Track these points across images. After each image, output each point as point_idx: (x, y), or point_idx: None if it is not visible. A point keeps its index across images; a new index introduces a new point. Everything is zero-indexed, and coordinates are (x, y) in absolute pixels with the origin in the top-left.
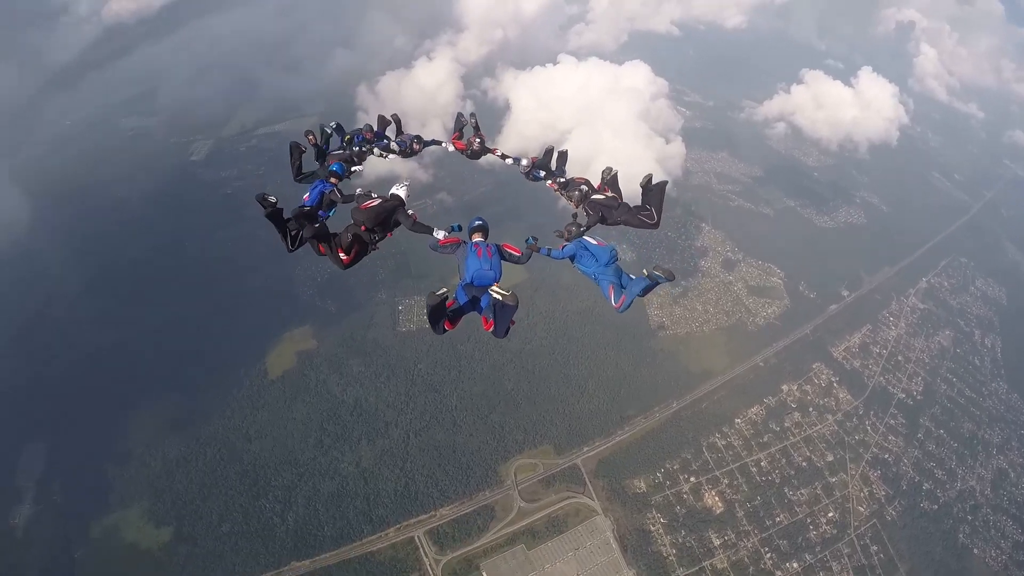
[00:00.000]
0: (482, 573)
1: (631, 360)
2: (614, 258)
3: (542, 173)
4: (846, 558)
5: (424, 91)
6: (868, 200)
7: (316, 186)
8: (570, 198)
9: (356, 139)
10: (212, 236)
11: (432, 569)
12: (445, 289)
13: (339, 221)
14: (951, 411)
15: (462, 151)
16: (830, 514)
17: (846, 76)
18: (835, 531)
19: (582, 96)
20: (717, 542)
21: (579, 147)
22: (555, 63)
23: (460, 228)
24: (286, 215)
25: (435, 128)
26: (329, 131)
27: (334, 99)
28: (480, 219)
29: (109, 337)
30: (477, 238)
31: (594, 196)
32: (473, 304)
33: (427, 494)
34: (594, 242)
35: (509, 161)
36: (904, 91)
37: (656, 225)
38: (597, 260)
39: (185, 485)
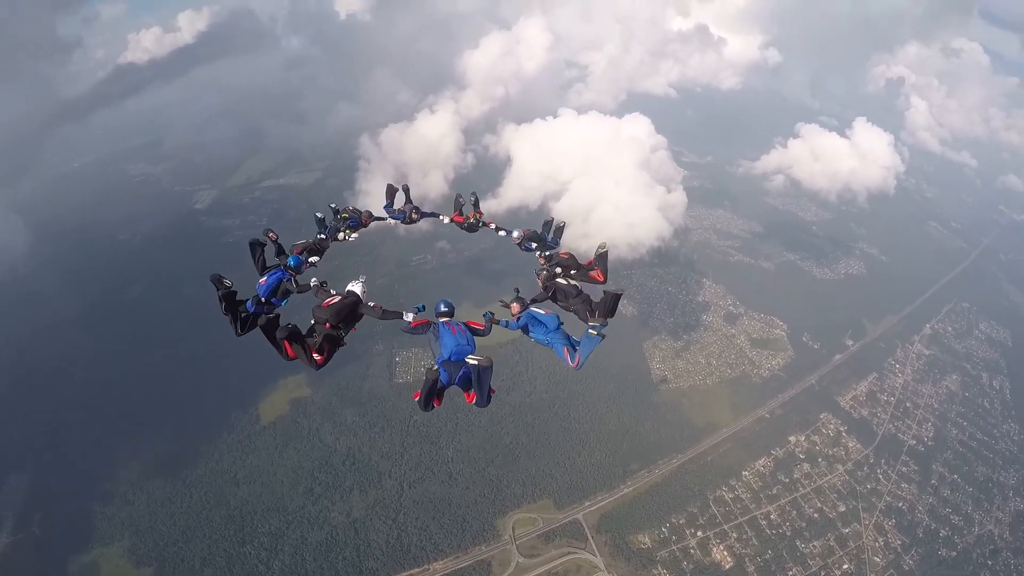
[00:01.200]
0: None
1: (633, 414)
2: (559, 324)
3: (533, 245)
4: None
5: (426, 142)
6: (867, 251)
7: (273, 274)
8: (538, 274)
9: (351, 223)
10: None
11: None
12: (436, 366)
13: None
14: (964, 455)
15: (459, 223)
16: (845, 566)
17: (841, 129)
18: None
19: (582, 147)
20: None
21: (579, 197)
22: (555, 116)
23: (424, 308)
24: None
25: (435, 179)
26: (321, 216)
27: (338, 152)
28: (446, 303)
29: (104, 374)
30: (444, 320)
31: (558, 280)
32: (452, 380)
33: (420, 547)
34: (541, 311)
35: (502, 234)
36: (898, 142)
37: (600, 320)
38: (546, 328)
39: (168, 526)
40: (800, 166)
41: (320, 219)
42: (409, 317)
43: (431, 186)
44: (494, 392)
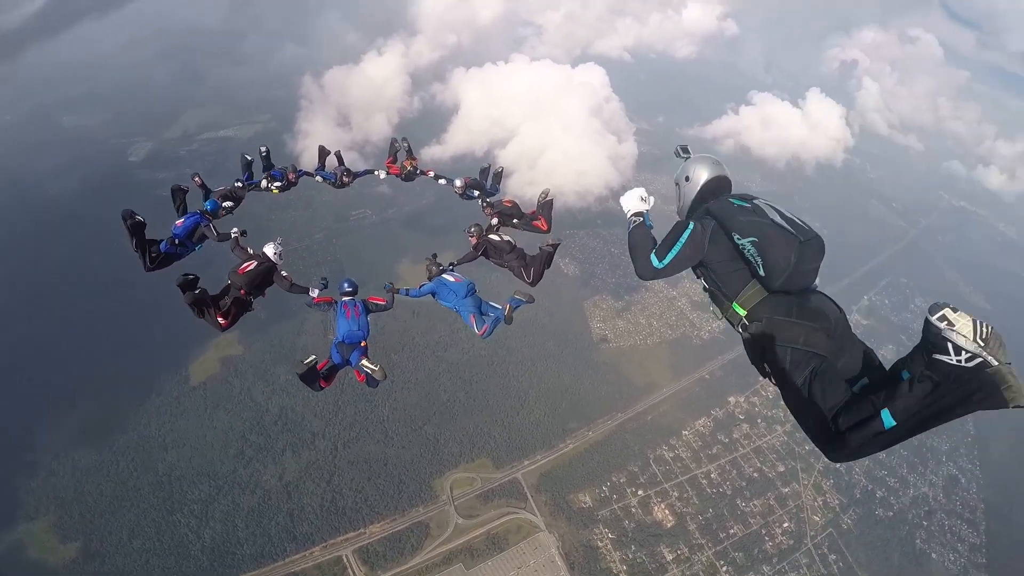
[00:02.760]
0: None
1: (573, 372)
2: (472, 290)
3: (475, 193)
4: (805, 568)
5: (371, 84)
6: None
7: (190, 216)
8: (469, 232)
9: (275, 174)
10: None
11: None
12: (313, 356)
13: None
14: None
15: (396, 175)
16: (785, 524)
17: (794, 100)
18: (792, 541)
19: (533, 92)
20: (670, 556)
21: (527, 143)
22: (507, 62)
23: (327, 284)
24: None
25: (379, 122)
26: (250, 159)
27: (280, 101)
28: (349, 282)
29: (22, 335)
30: (347, 299)
31: (491, 236)
32: (345, 361)
33: (356, 510)
34: (451, 279)
35: (442, 182)
36: (849, 121)
37: (532, 284)
38: (456, 295)
39: (95, 497)
40: (750, 133)
41: (248, 162)
42: (314, 293)
43: (373, 129)
44: (384, 377)
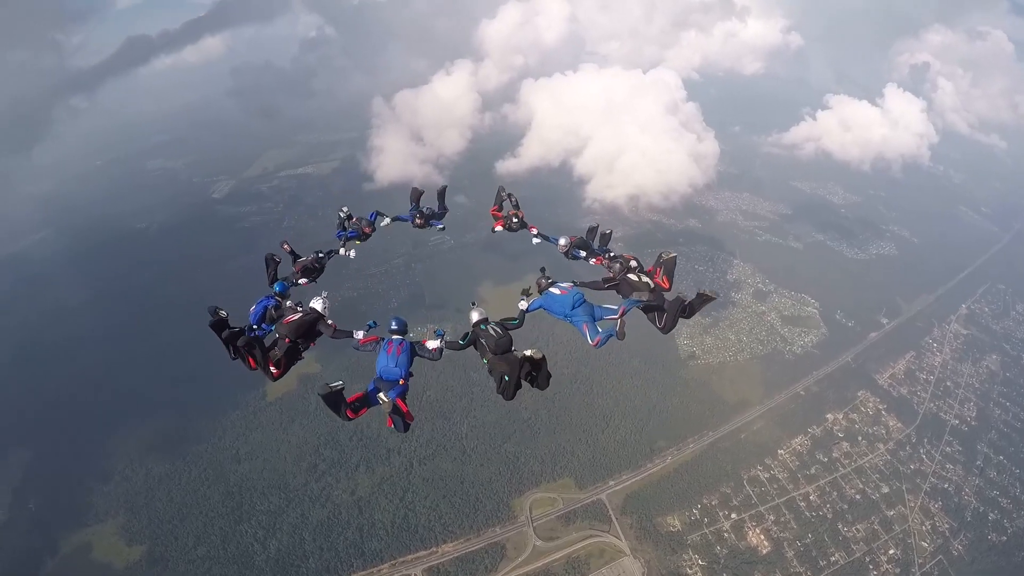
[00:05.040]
0: None
1: (660, 390)
2: (579, 301)
3: (582, 253)
4: None
5: (442, 103)
6: (898, 233)
7: (261, 302)
8: (610, 268)
9: (351, 234)
10: (224, 265)
11: None
12: (340, 382)
13: None
14: (1009, 436)
15: (501, 227)
16: (891, 551)
17: (871, 98)
18: (898, 570)
19: (605, 97)
20: None
21: (603, 146)
22: (575, 71)
23: (376, 325)
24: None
25: (452, 137)
26: (346, 212)
27: (354, 142)
28: (398, 321)
29: (111, 355)
30: (394, 337)
31: (629, 275)
32: (376, 397)
33: (429, 528)
34: (557, 292)
35: (537, 241)
36: (929, 120)
37: (663, 330)
38: (564, 306)
39: (165, 504)
40: (831, 137)
41: (346, 216)
42: (360, 335)
43: (447, 144)
44: (412, 420)
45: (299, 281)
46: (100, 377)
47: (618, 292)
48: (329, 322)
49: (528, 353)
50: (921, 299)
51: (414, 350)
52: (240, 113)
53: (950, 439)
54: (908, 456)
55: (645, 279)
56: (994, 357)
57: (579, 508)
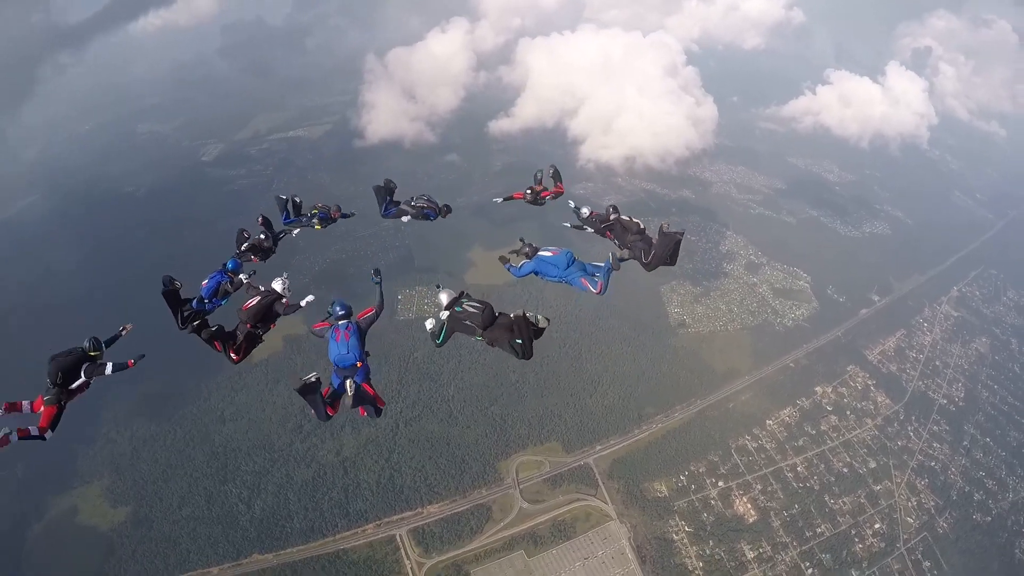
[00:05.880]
0: None
1: (649, 356)
2: (572, 259)
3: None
4: (897, 575)
5: (436, 61)
6: (892, 213)
7: (214, 276)
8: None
9: (320, 215)
10: (212, 227)
11: (414, 573)
12: (314, 374)
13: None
14: (995, 418)
15: (524, 198)
16: (876, 525)
17: (873, 76)
18: (883, 544)
19: (603, 56)
20: (751, 555)
21: (599, 107)
22: (573, 31)
23: (345, 308)
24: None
25: (445, 95)
26: (284, 198)
27: (347, 104)
28: (341, 304)
29: (96, 316)
30: (340, 323)
31: (622, 216)
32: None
33: (414, 489)
34: (549, 253)
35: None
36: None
37: (648, 266)
38: (558, 267)
39: (150, 465)
40: (830, 112)
41: (283, 200)
42: (306, 301)
43: (439, 102)
44: (383, 404)
45: (253, 258)
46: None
47: (610, 233)
48: (284, 300)
49: (528, 315)
50: (913, 279)
51: (360, 328)
52: (232, 72)
53: (938, 418)
54: (896, 432)
55: (636, 220)
56: (983, 340)
57: (566, 472)
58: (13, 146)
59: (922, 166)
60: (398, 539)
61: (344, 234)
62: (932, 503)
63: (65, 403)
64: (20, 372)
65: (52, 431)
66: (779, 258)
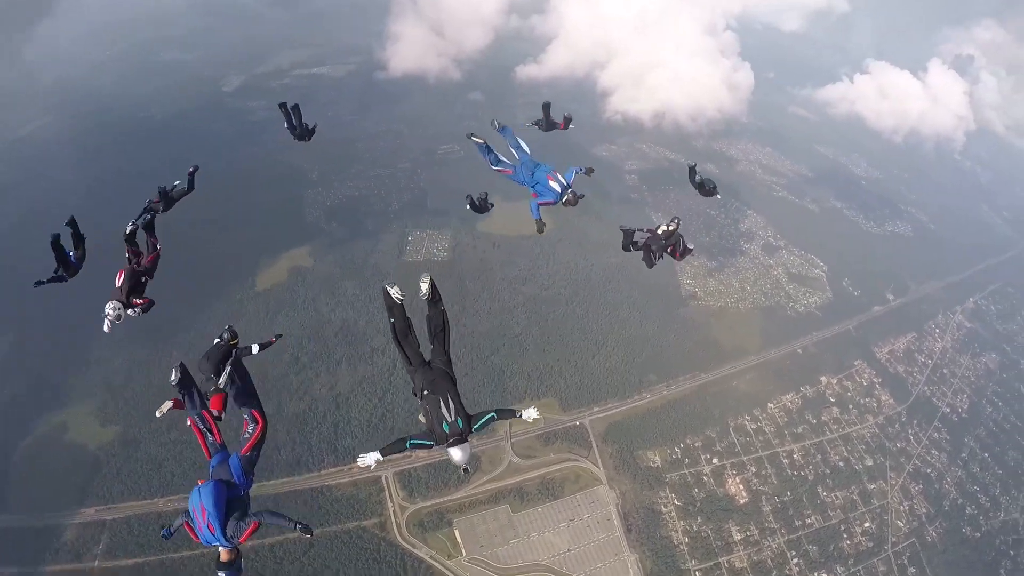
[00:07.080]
0: (454, 530)
1: (657, 324)
2: (537, 163)
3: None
4: None
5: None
6: (916, 216)
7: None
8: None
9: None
10: (230, 156)
11: (395, 516)
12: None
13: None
14: (996, 435)
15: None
16: (866, 524)
17: (914, 70)
18: (871, 544)
19: (641, 12)
20: (738, 536)
21: (633, 60)
22: None
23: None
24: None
25: (473, 35)
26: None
27: (371, 36)
28: (219, 457)
29: (102, 238)
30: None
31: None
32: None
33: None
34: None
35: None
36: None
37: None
38: (526, 167)
39: (143, 386)
40: (865, 102)
41: (284, 107)
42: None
43: (468, 40)
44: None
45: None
46: (91, 263)
47: (639, 247)
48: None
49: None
50: (930, 284)
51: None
52: (259, 4)
53: (939, 426)
54: (896, 433)
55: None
56: (993, 356)
57: (560, 430)
58: (29, 66)
59: (952, 173)
60: (383, 481)
61: (359, 172)
62: (924, 510)
63: (228, 388)
64: (14, 294)
65: (225, 411)
66: (797, 243)
